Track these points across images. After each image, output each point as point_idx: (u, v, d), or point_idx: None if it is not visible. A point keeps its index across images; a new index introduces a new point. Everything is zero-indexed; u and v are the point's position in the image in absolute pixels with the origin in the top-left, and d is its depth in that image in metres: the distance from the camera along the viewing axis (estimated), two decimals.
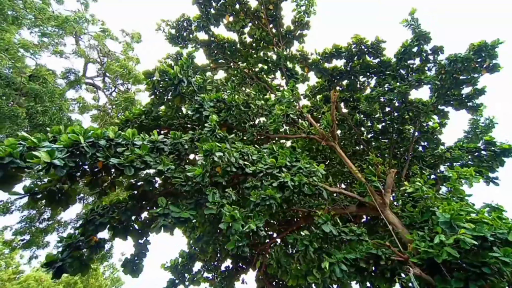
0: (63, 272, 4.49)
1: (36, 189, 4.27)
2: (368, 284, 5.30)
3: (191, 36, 9.53)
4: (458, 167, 5.02)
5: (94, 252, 4.98)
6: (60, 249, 4.77)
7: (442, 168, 8.42)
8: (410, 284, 4.68)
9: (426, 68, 7.90)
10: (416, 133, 8.47)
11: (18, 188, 3.98)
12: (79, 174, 4.56)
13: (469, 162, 7.87)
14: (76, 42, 15.05)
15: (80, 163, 4.26)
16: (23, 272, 19.67)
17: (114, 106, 14.09)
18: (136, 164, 4.44)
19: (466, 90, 7.67)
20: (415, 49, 7.64)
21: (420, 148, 9.01)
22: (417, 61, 7.98)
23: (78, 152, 4.06)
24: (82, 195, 13.25)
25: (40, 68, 12.50)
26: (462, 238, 3.58)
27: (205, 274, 8.04)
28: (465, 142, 8.43)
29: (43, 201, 4.40)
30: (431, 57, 7.73)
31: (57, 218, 13.33)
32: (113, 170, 4.24)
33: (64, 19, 12.72)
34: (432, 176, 7.98)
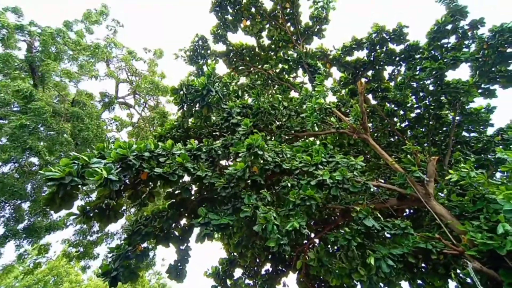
0: (118, 280, 4.76)
1: (88, 207, 4.59)
2: (420, 281, 4.95)
3: (208, 51, 9.73)
4: None
5: (140, 260, 5.23)
6: (111, 259, 5.09)
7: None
8: (468, 280, 4.29)
9: (464, 46, 7.21)
10: (458, 117, 7.81)
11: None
12: (122, 188, 4.84)
13: None
14: (107, 65, 16.31)
15: (123, 178, 4.52)
16: (83, 281, 21.52)
17: (147, 122, 14.95)
18: (178, 172, 4.65)
19: None
20: (449, 27, 7.03)
21: (464, 133, 8.29)
22: (452, 39, 7.36)
23: (125, 166, 4.30)
24: (124, 207, 14.16)
25: (80, 94, 13.75)
26: None
27: (246, 281, 8.06)
28: None
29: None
30: (469, 33, 7.04)
31: (105, 230, 14.41)
32: (155, 180, 4.48)
33: (95, 47, 13.89)
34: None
